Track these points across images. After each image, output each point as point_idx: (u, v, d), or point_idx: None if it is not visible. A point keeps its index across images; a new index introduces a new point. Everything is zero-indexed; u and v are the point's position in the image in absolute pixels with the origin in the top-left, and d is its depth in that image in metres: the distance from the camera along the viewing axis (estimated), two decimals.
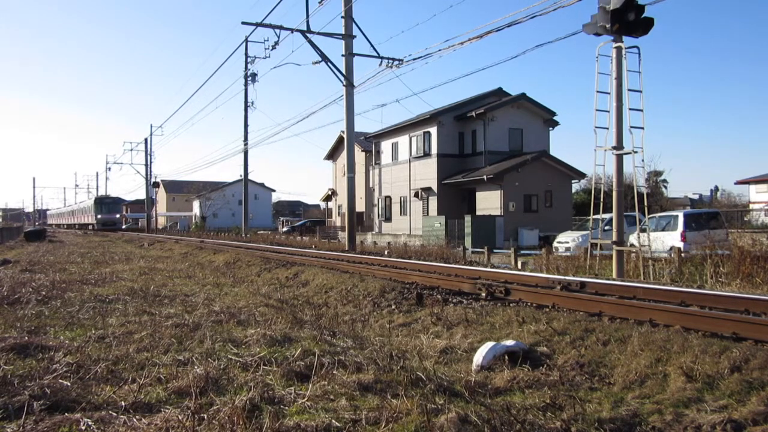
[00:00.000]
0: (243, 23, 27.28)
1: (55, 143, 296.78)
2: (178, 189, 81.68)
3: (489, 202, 30.50)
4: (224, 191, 72.00)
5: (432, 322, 6.97)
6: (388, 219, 38.30)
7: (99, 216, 65.80)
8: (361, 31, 30.79)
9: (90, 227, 69.12)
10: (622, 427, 3.69)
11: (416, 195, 34.86)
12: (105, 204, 68.19)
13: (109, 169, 70.41)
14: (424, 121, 34.03)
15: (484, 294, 8.07)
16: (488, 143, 32.21)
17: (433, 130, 33.72)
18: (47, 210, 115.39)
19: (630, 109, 12.40)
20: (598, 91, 12.72)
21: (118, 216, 68.91)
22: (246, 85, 36.65)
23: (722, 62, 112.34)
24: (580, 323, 6.06)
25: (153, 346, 5.60)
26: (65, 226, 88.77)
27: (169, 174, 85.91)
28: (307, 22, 20.68)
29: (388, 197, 38.39)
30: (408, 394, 3.97)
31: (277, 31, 21.35)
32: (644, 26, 11.69)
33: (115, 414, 3.72)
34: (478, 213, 30.29)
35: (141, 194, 62.14)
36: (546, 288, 8.35)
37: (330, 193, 52.14)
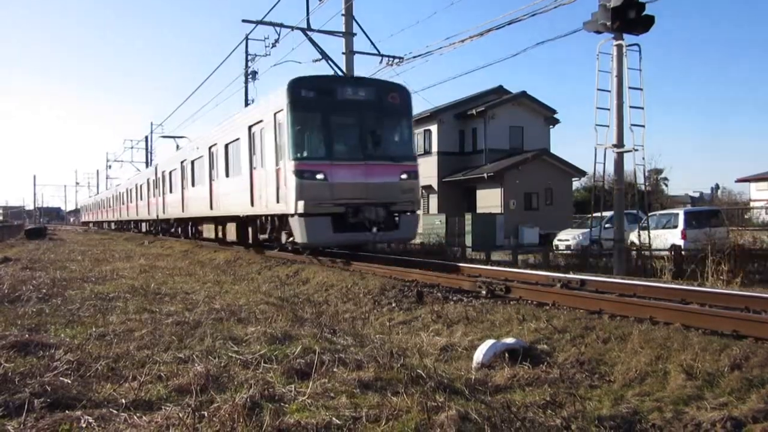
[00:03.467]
0: (243, 21, 27.20)
1: (56, 140, 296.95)
2: None
3: (489, 200, 30.49)
4: None
5: (432, 319, 6.97)
6: None
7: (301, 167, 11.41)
8: (362, 29, 30.59)
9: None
10: (622, 425, 3.69)
11: None
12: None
13: (110, 167, 70.06)
14: (424, 118, 33.99)
15: (484, 292, 8.07)
16: (489, 141, 32.18)
17: (434, 128, 33.69)
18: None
19: (630, 106, 12.42)
20: (598, 89, 12.73)
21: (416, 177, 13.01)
22: (246, 82, 36.43)
23: (723, 60, 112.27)
24: (581, 321, 6.07)
25: (153, 343, 5.61)
26: (106, 225, 49.20)
27: None
28: (308, 19, 20.60)
29: None
30: (408, 392, 3.98)
31: (278, 28, 21.30)
32: (644, 24, 11.70)
33: (115, 411, 3.73)
34: (478, 211, 30.27)
35: None
36: (546, 286, 8.36)
37: None
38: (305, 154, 11.70)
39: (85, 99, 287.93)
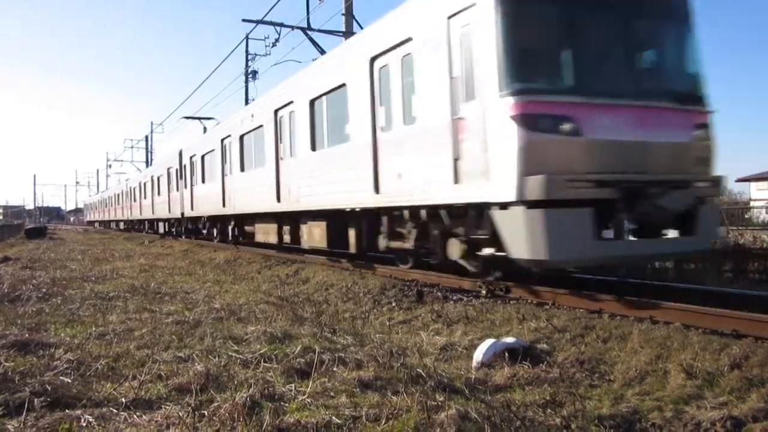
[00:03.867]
0: (243, 20, 27.27)
1: (56, 139, 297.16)
2: None
3: None
4: None
5: (432, 319, 6.97)
6: None
7: None
8: (362, 29, 30.67)
9: None
10: (622, 424, 3.69)
11: None
12: None
13: (110, 166, 70.24)
14: None
15: (484, 291, 8.07)
16: None
17: None
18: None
19: None
20: None
21: None
22: (246, 82, 36.46)
23: (723, 58, 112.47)
24: (581, 320, 6.07)
25: (153, 343, 5.62)
26: (114, 225, 42.40)
27: None
28: (308, 19, 20.61)
29: None
30: (408, 391, 3.98)
31: (278, 28, 21.41)
32: None
33: (115, 410, 3.73)
34: None
35: None
36: (546, 285, 8.34)
37: None
38: (535, 84, 6.42)
39: (85, 96, 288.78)
